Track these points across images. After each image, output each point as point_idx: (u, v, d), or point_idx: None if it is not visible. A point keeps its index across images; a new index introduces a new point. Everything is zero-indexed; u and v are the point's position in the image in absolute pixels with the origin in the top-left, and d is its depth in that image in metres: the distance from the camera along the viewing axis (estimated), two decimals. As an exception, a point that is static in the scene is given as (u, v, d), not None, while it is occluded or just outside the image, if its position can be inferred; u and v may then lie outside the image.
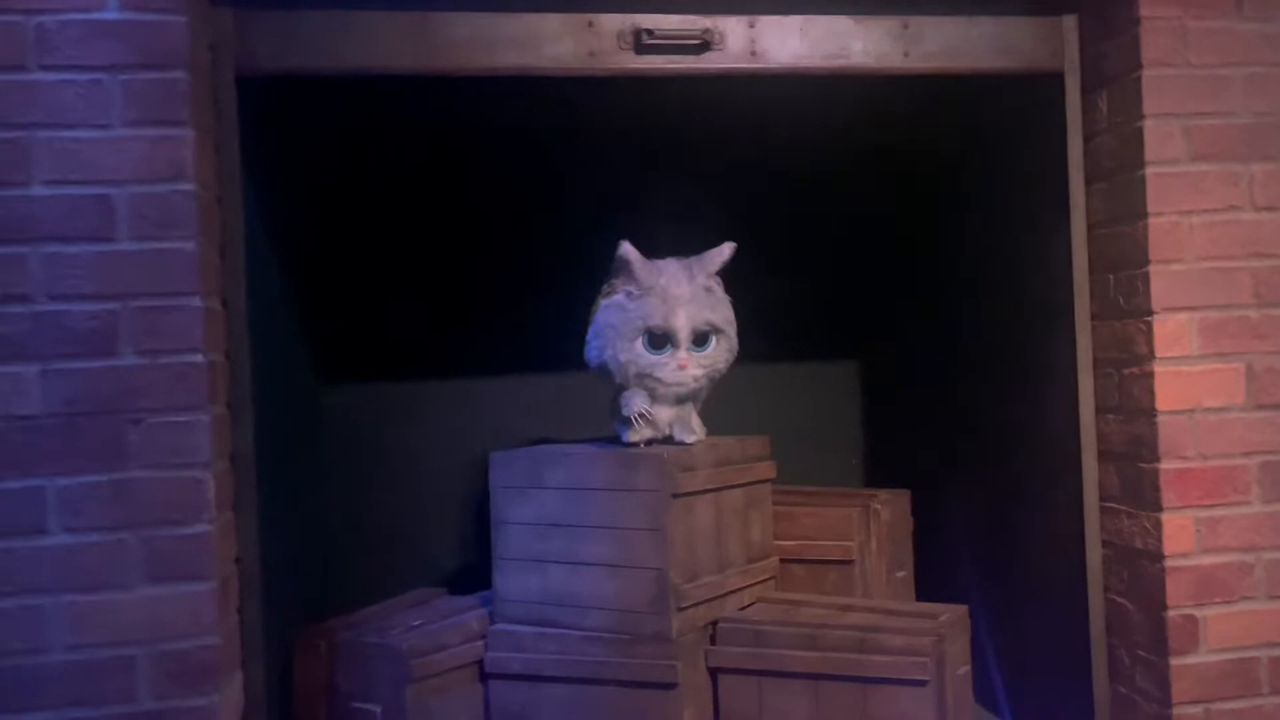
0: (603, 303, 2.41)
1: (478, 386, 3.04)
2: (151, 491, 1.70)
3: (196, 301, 1.72)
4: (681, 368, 2.34)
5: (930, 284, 2.98)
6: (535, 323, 2.87)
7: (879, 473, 3.29)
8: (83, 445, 1.69)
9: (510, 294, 2.92)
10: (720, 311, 2.39)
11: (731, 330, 2.41)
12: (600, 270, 2.41)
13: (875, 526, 2.72)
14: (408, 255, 2.88)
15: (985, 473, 2.74)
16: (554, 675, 2.36)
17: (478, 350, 2.96)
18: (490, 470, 2.47)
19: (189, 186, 1.72)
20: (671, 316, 2.32)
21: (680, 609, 2.28)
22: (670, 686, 2.27)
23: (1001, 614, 2.59)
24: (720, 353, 2.40)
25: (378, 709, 2.24)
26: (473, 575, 2.84)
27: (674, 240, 2.40)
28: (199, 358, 1.72)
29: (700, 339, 2.37)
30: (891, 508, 2.79)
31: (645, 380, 2.36)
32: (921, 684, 2.19)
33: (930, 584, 2.84)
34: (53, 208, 1.68)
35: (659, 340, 2.34)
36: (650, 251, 2.36)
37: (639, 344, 2.35)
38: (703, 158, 2.81)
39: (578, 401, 2.85)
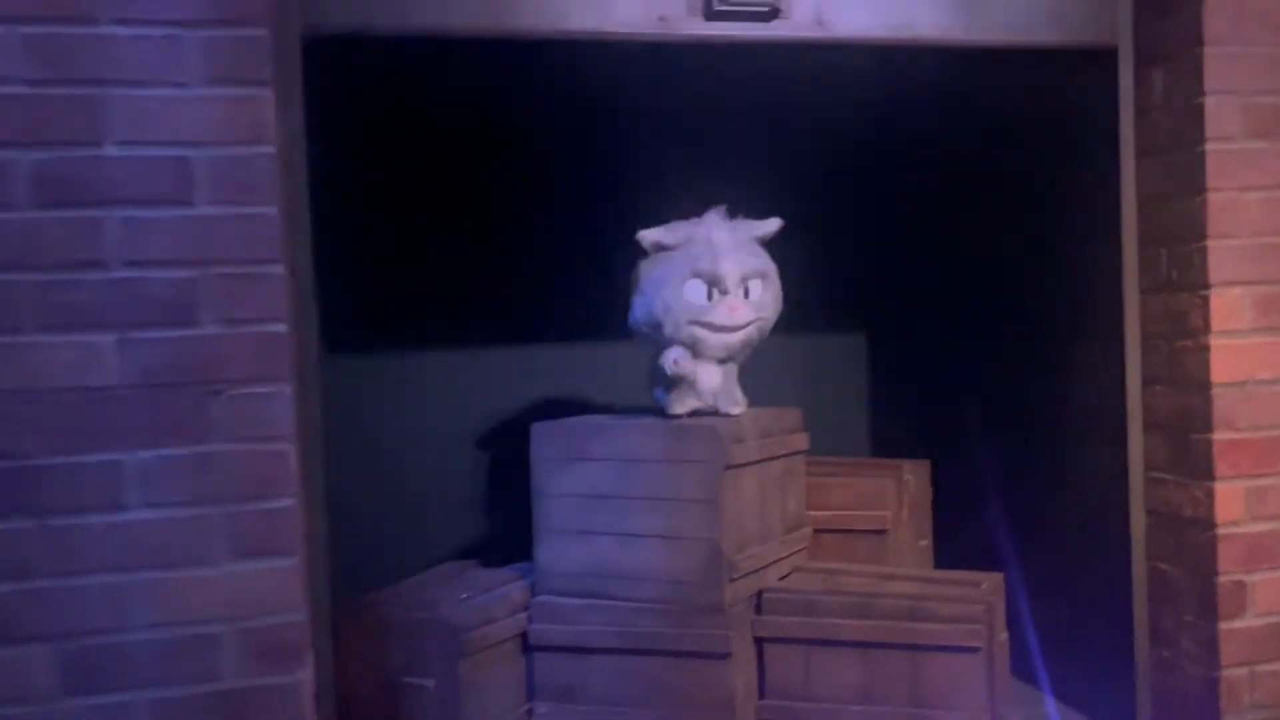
0: (644, 264, 2.39)
1: (488, 356, 2.99)
2: (234, 465, 1.64)
3: (278, 269, 1.66)
4: (732, 311, 2.33)
5: (966, 257, 3.00)
6: (572, 292, 2.83)
7: (885, 443, 3.33)
8: (162, 417, 1.62)
9: (550, 263, 2.88)
10: (766, 261, 2.39)
11: (777, 282, 2.40)
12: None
13: (906, 497, 2.76)
14: (447, 221, 2.82)
15: (1014, 443, 2.79)
16: (602, 647, 2.35)
17: (502, 320, 2.92)
18: (532, 442, 2.44)
19: (270, 149, 1.65)
20: (720, 260, 2.31)
21: (732, 580, 2.29)
22: (724, 657, 2.28)
23: (1031, 581, 2.64)
24: (768, 300, 2.39)
25: (430, 683, 2.22)
26: (498, 547, 2.81)
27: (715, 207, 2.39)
28: (281, 327, 1.67)
29: (748, 285, 2.36)
30: (916, 478, 2.83)
31: (695, 328, 2.33)
32: (973, 650, 2.23)
33: (948, 553, 2.89)
34: (128, 170, 1.60)
35: (708, 287, 2.32)
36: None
37: (687, 290, 2.32)
38: (745, 125, 2.79)
39: (610, 372, 2.83)
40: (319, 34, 1.85)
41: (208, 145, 1.63)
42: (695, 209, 2.38)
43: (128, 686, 1.61)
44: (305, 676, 1.70)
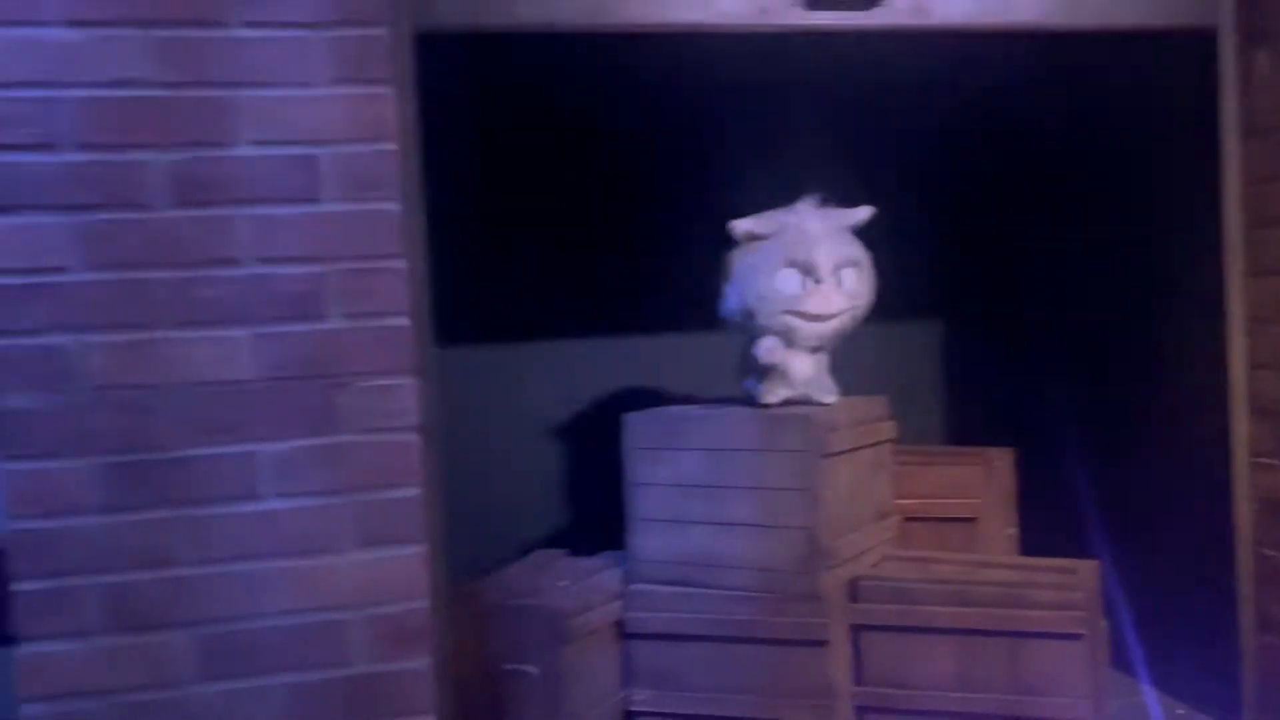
0: (736, 254, 2.40)
1: (573, 347, 3.02)
2: (361, 456, 1.68)
3: (400, 263, 1.70)
4: (826, 299, 2.33)
5: (1054, 242, 2.98)
6: (658, 283, 2.85)
7: (960, 431, 3.31)
8: (293, 410, 1.66)
9: (637, 255, 2.90)
10: (859, 250, 2.39)
11: (870, 270, 2.41)
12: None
13: (995, 484, 2.75)
14: (538, 213, 2.85)
15: (1103, 430, 2.77)
16: (697, 634, 2.38)
17: (589, 311, 2.94)
18: (625, 432, 2.47)
19: (392, 146, 1.69)
20: (814, 248, 2.32)
21: (829, 567, 2.30)
22: (821, 644, 2.29)
23: (1125, 569, 2.63)
24: (861, 288, 2.39)
25: (534, 669, 2.25)
26: (584, 537, 2.84)
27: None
28: (404, 320, 1.70)
29: (841, 273, 2.36)
30: (1004, 465, 2.82)
31: (788, 317, 2.34)
32: (1075, 638, 2.22)
33: (1034, 542, 2.87)
34: (258, 169, 1.65)
35: (801, 276, 2.33)
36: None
37: (781, 279, 2.34)
38: (835, 113, 2.79)
39: (690, 363, 2.85)
40: (429, 31, 1.88)
41: (332, 143, 1.67)
42: (786, 198, 2.38)
43: (262, 671, 1.66)
44: (428, 662, 1.74)
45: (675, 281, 2.67)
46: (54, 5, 1.57)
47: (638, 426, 2.47)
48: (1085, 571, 2.33)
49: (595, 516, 2.64)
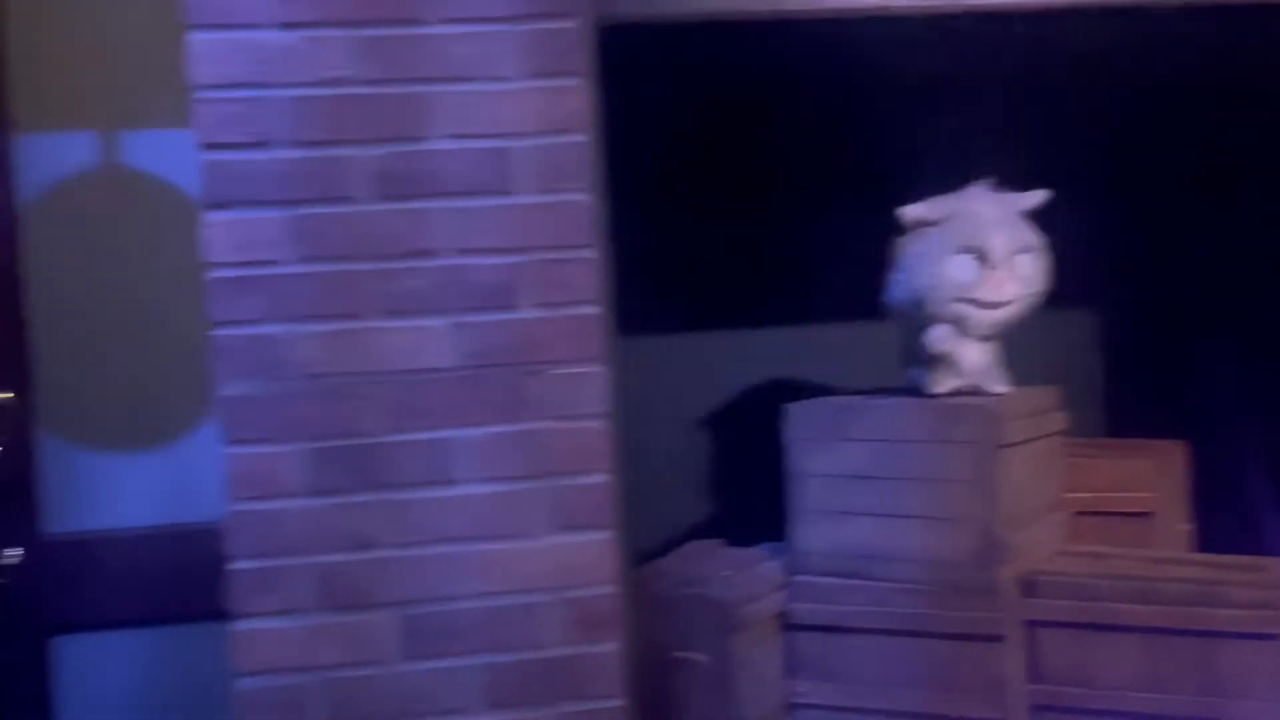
0: (904, 241, 2.36)
1: (730, 338, 3.01)
2: (553, 442, 1.72)
3: (591, 253, 1.73)
4: (1000, 286, 2.27)
5: (1222, 224, 2.85)
6: (814, 272, 2.83)
7: (1120, 424, 3.19)
8: (487, 397, 1.70)
9: (801, 243, 2.87)
10: (1034, 235, 2.32)
11: (1044, 254, 2.33)
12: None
13: (1170, 478, 2.65)
14: (699, 202, 2.85)
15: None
16: (864, 627, 2.35)
17: (755, 301, 2.93)
18: (788, 423, 2.45)
19: (583, 138, 1.71)
20: (988, 234, 2.26)
21: (1005, 561, 2.24)
22: (997, 639, 2.24)
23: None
24: (1036, 274, 2.32)
25: (704, 658, 2.26)
26: (740, 527, 2.83)
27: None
28: (595, 309, 1.73)
29: (1016, 258, 2.30)
30: (1177, 459, 2.71)
31: (960, 305, 2.29)
32: (1271, 638, 2.12)
33: (1207, 537, 2.75)
34: (454, 162, 1.69)
35: (975, 262, 2.27)
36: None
37: (953, 266, 2.28)
38: (1004, 96, 2.72)
39: (855, 352, 2.82)
40: (610, 23, 1.90)
41: (525, 136, 1.70)
42: (955, 185, 2.33)
43: (460, 652, 1.70)
44: (617, 647, 1.76)
45: (839, 270, 2.63)
46: (268, 8, 1.64)
47: (801, 417, 2.45)
48: (1275, 569, 2.23)
49: (749, 508, 2.63)
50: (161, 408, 2.53)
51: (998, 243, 2.27)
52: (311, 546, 1.67)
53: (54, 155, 2.46)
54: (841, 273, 2.59)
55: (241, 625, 1.66)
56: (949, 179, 2.34)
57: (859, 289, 2.48)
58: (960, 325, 2.33)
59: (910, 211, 2.31)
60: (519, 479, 1.71)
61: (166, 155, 2.44)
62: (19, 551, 2.40)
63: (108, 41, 2.44)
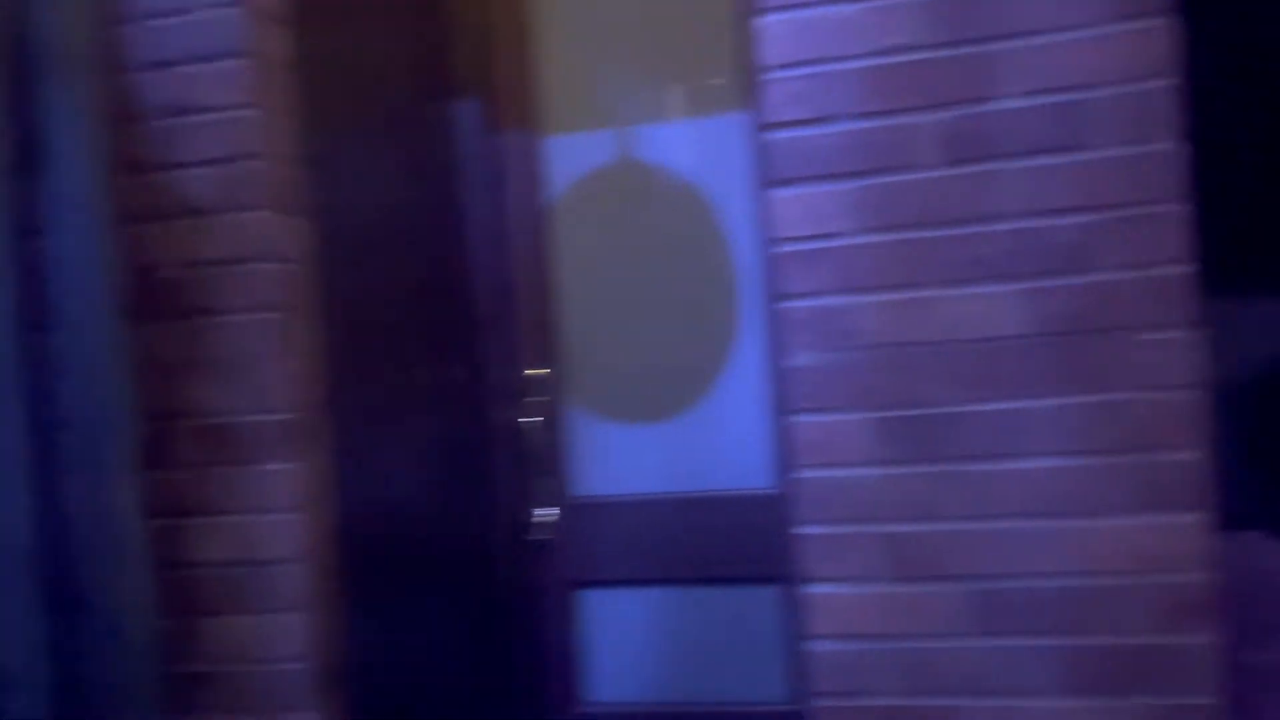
0: None
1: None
2: (1132, 414, 1.59)
3: (1177, 208, 1.57)
4: None
5: None
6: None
7: None
8: (1061, 366, 1.62)
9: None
10: None
11: None
12: None
13: None
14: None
15: None
16: None
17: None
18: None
19: (1166, 82, 1.56)
20: None
21: None
22: None
23: None
24: None
25: None
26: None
27: None
28: (1181, 269, 1.58)
29: None
30: None
31: None
32: None
33: None
34: (1023, 120, 1.61)
35: None
36: None
37: None
38: None
39: None
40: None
41: (1102, 86, 1.58)
42: None
43: (1034, 632, 1.63)
44: (1211, 640, 1.60)
45: None
46: (831, -17, 1.66)
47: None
48: None
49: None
50: (672, 384, 2.70)
51: None
52: (879, 515, 1.67)
53: (577, 154, 2.70)
54: None
55: (813, 589, 1.70)
56: None
57: None
58: None
59: None
60: (1098, 453, 1.60)
61: (674, 147, 2.60)
62: (555, 511, 2.67)
63: (621, 46, 2.65)
